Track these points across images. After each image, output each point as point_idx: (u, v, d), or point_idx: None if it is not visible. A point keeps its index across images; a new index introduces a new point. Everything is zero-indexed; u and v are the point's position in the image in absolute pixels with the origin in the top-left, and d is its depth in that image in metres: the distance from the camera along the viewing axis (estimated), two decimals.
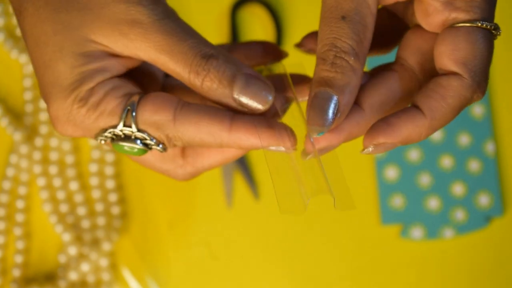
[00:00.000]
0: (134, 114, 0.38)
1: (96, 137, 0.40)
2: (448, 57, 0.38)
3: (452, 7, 0.38)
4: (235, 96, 0.38)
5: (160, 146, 0.39)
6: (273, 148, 0.38)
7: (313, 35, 0.46)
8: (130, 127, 0.39)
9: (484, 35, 0.39)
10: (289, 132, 0.38)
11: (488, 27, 0.39)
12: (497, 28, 0.39)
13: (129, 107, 0.38)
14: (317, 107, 0.38)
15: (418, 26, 0.42)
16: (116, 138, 0.39)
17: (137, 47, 0.38)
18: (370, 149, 0.39)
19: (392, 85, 0.41)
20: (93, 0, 0.38)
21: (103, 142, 0.40)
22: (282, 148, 0.38)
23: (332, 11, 0.39)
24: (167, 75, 0.45)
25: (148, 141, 0.39)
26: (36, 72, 0.40)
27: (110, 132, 0.39)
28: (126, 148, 0.39)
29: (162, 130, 0.39)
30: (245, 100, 0.38)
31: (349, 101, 0.39)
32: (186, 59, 0.38)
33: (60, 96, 0.39)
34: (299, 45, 0.46)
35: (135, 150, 0.40)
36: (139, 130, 0.39)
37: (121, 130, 0.39)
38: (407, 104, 0.41)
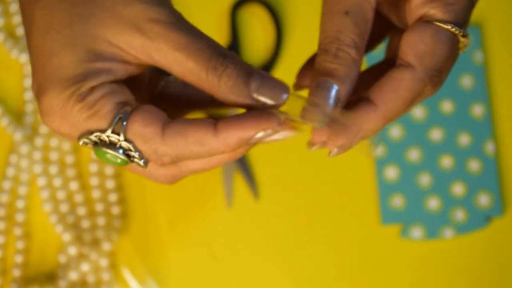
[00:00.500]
0: (124, 123, 0.38)
1: (80, 137, 0.39)
2: (410, 47, 0.40)
3: (432, 5, 0.40)
4: (252, 93, 0.39)
5: (143, 160, 0.39)
6: (261, 134, 0.38)
7: (304, 72, 0.47)
8: (118, 135, 0.39)
9: (450, 38, 0.40)
10: (272, 115, 0.39)
11: (457, 32, 0.40)
12: (465, 35, 0.41)
13: (121, 115, 0.38)
14: (319, 96, 0.40)
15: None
16: (100, 143, 0.39)
17: (155, 46, 0.38)
18: (335, 150, 0.41)
19: (402, 84, 0.42)
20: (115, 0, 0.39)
21: (85, 144, 0.39)
22: (270, 132, 0.38)
23: (335, 5, 0.41)
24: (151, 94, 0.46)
25: (132, 153, 0.39)
26: (36, 60, 0.39)
27: (96, 136, 0.39)
28: (108, 155, 0.39)
29: (150, 144, 0.39)
30: (260, 97, 0.39)
31: (349, 91, 0.40)
32: (204, 56, 0.39)
33: (60, 86, 0.38)
34: (297, 87, 0.48)
35: (119, 160, 0.39)
36: (126, 140, 0.39)
37: (107, 136, 0.39)
38: (415, 104, 0.43)
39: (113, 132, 0.39)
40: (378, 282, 0.67)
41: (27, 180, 0.67)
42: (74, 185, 0.67)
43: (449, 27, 0.40)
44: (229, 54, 0.39)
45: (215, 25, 0.70)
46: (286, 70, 0.69)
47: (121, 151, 0.39)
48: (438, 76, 0.41)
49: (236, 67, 0.39)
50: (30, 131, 0.68)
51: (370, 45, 0.47)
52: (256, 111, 0.39)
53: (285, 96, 0.39)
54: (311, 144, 0.42)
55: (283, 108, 0.40)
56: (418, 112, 0.69)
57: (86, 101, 0.38)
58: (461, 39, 0.41)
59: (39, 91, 0.39)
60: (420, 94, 0.41)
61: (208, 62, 0.38)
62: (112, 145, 0.39)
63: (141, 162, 0.39)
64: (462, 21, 0.40)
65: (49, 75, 0.39)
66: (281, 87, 0.39)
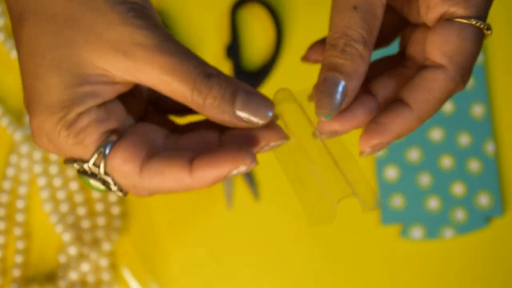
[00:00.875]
0: (105, 156, 0.39)
1: (65, 162, 0.40)
2: (438, 48, 0.40)
3: (452, 2, 0.40)
4: (237, 112, 0.39)
5: (121, 192, 0.40)
6: (235, 171, 0.39)
7: (315, 46, 0.47)
8: (99, 167, 0.39)
9: (476, 33, 0.40)
10: (247, 151, 0.39)
11: (481, 26, 0.40)
12: (489, 28, 0.41)
13: (102, 149, 0.39)
14: (326, 91, 0.40)
15: (426, 26, 0.43)
16: (82, 171, 0.40)
17: (141, 68, 0.38)
18: (368, 150, 0.41)
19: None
20: (98, 22, 0.38)
21: (70, 167, 0.41)
22: (243, 168, 0.38)
23: (344, 0, 0.41)
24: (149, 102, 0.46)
25: (111, 185, 0.40)
26: (24, 82, 0.40)
27: (78, 165, 0.40)
28: (91, 182, 0.40)
29: (128, 180, 0.40)
30: (245, 115, 0.39)
31: (356, 86, 0.41)
32: (189, 78, 0.38)
33: (47, 111, 0.39)
34: (305, 59, 0.48)
35: (101, 188, 0.41)
36: (106, 173, 0.40)
37: (89, 167, 0.40)
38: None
39: (94, 164, 0.39)
40: (378, 282, 0.67)
41: (27, 180, 0.67)
42: (74, 185, 0.67)
43: (473, 22, 0.40)
44: (214, 73, 0.39)
45: (215, 25, 0.70)
46: (286, 70, 0.69)
47: (101, 181, 0.40)
48: (468, 73, 0.41)
49: (221, 88, 0.39)
50: (30, 131, 0.68)
51: (384, 41, 0.47)
52: (231, 147, 0.39)
53: (270, 113, 0.39)
54: (315, 135, 0.42)
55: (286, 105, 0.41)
56: None
57: (72, 129, 0.39)
58: (486, 32, 0.41)
59: (29, 110, 0.40)
60: (452, 92, 0.41)
61: (193, 84, 0.38)
62: (93, 175, 0.40)
63: (120, 194, 0.41)
64: (483, 14, 0.40)
65: (36, 98, 0.39)
66: (266, 104, 0.39)
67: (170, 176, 0.39)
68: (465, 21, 0.40)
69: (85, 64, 0.38)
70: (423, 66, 0.41)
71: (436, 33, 0.40)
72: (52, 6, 0.39)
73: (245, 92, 0.39)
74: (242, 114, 0.39)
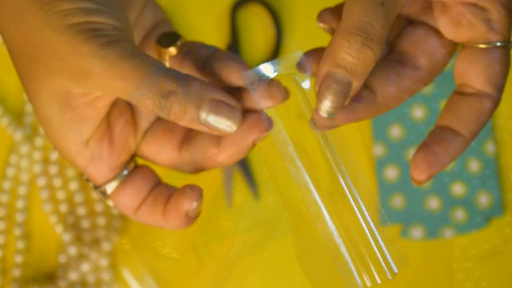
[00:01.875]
0: (110, 190, 0.42)
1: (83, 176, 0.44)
2: (484, 77, 0.40)
3: (489, 26, 0.40)
4: (203, 122, 0.38)
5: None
6: (192, 213, 0.42)
7: (334, 13, 0.43)
8: (105, 194, 0.43)
9: (508, 54, 0.41)
10: (191, 190, 0.41)
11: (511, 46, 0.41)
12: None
13: (104, 188, 0.42)
14: (332, 89, 0.38)
15: (432, 28, 0.42)
16: (94, 187, 0.43)
17: (101, 91, 0.39)
18: (424, 178, 0.41)
19: (405, 83, 0.42)
20: (52, 55, 0.38)
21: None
22: (195, 203, 0.42)
23: None
24: None
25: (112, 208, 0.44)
26: None
27: (91, 182, 0.43)
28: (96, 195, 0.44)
29: (125, 213, 0.43)
30: (213, 126, 0.38)
31: (361, 85, 0.39)
32: (148, 99, 0.38)
33: (52, 140, 0.41)
34: (321, 21, 0.43)
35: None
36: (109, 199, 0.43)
37: (96, 192, 0.43)
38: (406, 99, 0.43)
39: (100, 191, 0.43)
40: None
41: (27, 180, 0.67)
42: (74, 185, 0.67)
43: (504, 44, 0.40)
44: (172, 91, 0.37)
45: (215, 25, 0.70)
46: None
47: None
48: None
49: (181, 106, 0.38)
50: (30, 131, 0.68)
51: None
52: (179, 190, 0.42)
53: (237, 117, 0.38)
54: (313, 125, 0.41)
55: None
56: (418, 112, 0.69)
57: (80, 160, 0.41)
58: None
59: None
60: (493, 112, 0.42)
61: (152, 104, 0.38)
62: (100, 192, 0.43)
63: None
64: (509, 33, 0.40)
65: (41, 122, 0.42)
66: (231, 111, 0.38)
67: (155, 223, 0.43)
68: (503, 46, 0.40)
69: (59, 91, 0.39)
70: (461, 93, 0.42)
71: (479, 64, 0.40)
72: (17, 44, 0.40)
73: (208, 104, 0.38)
74: (209, 124, 0.38)
